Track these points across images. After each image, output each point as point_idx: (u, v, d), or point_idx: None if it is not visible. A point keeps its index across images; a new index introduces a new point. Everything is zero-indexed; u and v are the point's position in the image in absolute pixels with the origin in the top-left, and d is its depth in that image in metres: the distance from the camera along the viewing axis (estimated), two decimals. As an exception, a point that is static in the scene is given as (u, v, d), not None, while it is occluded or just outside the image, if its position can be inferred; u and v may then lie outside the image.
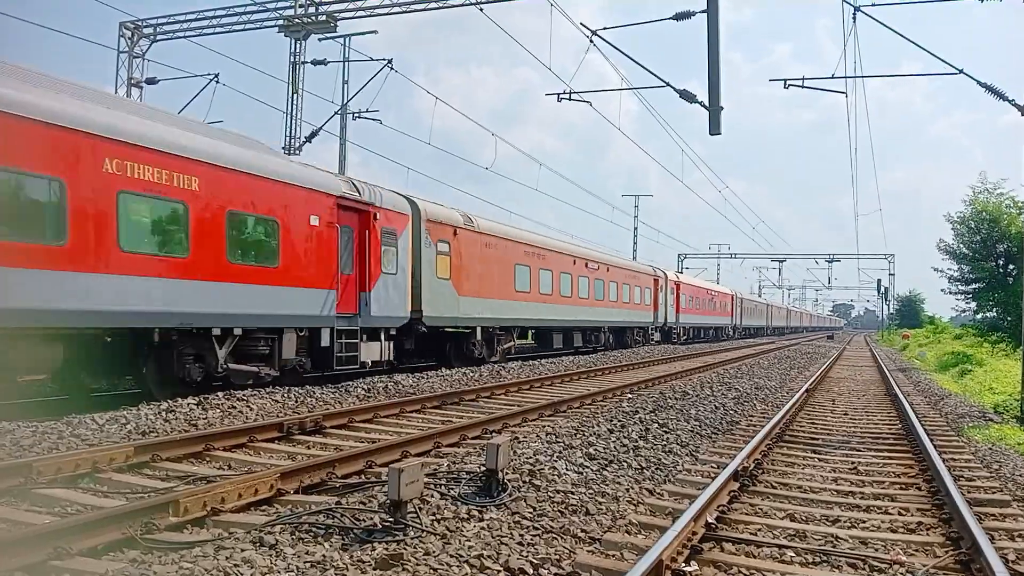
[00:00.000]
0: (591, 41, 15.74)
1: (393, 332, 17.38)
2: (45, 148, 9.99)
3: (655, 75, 16.18)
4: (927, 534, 6.20)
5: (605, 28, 15.80)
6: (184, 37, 25.46)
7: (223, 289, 12.65)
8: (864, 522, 6.53)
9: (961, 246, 33.88)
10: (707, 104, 13.93)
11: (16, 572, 4.58)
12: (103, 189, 10.69)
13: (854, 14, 16.16)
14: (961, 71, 15.66)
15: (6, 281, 9.46)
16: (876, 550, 5.69)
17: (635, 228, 61.14)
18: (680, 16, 14.70)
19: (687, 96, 14.88)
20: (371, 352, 16.44)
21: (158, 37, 25.65)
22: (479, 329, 21.49)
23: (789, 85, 17.98)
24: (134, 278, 11.10)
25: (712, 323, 55.60)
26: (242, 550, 4.70)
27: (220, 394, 12.13)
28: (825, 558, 5.48)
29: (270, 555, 4.65)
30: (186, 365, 12.40)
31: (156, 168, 11.45)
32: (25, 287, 9.71)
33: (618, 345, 34.52)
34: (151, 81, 25.80)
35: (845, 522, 6.52)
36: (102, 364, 12.01)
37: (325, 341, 14.94)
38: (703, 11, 14.01)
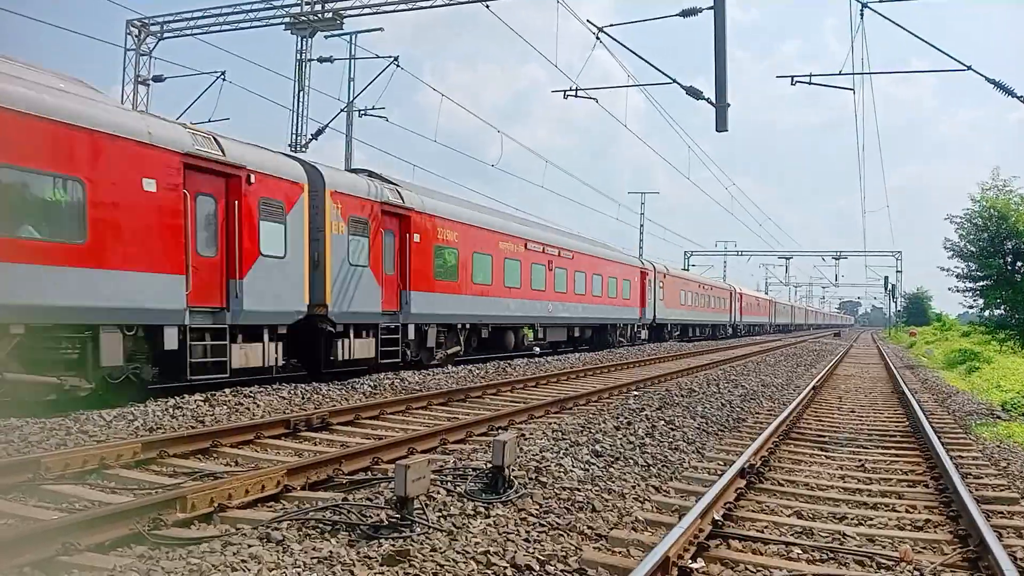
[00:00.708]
0: (597, 38, 15.71)
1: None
2: None
3: (662, 72, 16.14)
4: (935, 532, 6.18)
5: (612, 25, 15.76)
6: (191, 35, 25.49)
7: None
8: (871, 519, 6.51)
9: (967, 243, 33.67)
10: (714, 101, 13.90)
11: (25, 567, 4.60)
12: None
13: (861, 10, 16.09)
14: (969, 67, 15.58)
15: None
16: (883, 548, 5.67)
17: (641, 225, 61.02)
18: (687, 13, 14.65)
19: (694, 93, 14.84)
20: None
21: (165, 35, 25.69)
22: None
23: (796, 82, 17.91)
24: None
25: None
26: (249, 546, 4.71)
27: (227, 390, 12.17)
28: (832, 555, 5.46)
29: (277, 551, 4.66)
30: None
31: None
32: None
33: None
34: (158, 79, 25.85)
35: (852, 519, 6.51)
36: None
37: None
38: (710, 8, 13.99)
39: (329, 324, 15.28)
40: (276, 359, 13.93)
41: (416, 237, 18.14)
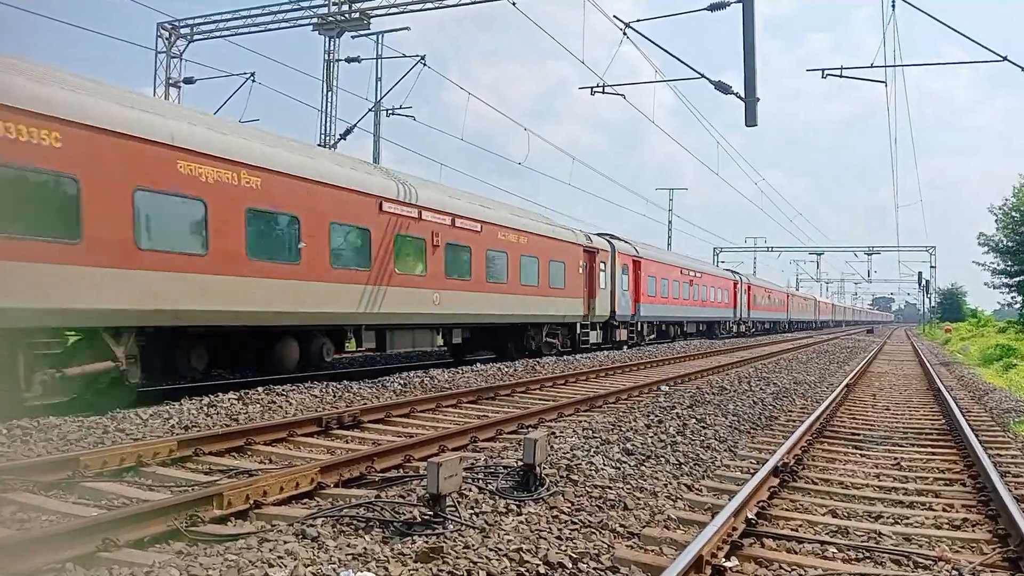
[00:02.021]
0: (624, 34, 15.65)
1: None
2: None
3: (690, 67, 16.06)
4: (973, 531, 6.09)
5: (639, 20, 15.73)
6: (220, 37, 25.80)
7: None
8: (908, 518, 6.42)
9: (1004, 238, 33.07)
10: (743, 95, 13.79)
11: (67, 563, 4.69)
12: None
13: (893, 2, 15.88)
14: (1005, 58, 15.32)
15: None
16: (920, 547, 5.60)
17: (669, 222, 60.81)
18: (715, 7, 14.57)
19: (722, 88, 14.75)
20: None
21: (195, 37, 26.02)
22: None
23: (827, 75, 17.74)
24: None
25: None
26: (285, 542, 4.76)
27: (260, 389, 12.29)
28: (868, 554, 5.40)
29: (312, 547, 4.71)
30: None
31: None
32: None
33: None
34: (189, 81, 26.20)
35: (888, 518, 6.43)
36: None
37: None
38: (738, 1, 13.88)
39: (614, 320, 29.47)
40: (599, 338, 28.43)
41: (642, 270, 32.46)
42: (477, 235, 19.95)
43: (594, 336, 27.80)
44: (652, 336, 35.27)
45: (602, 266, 28.33)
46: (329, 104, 25.20)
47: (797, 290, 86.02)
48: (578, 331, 26.65)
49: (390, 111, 29.52)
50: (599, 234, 30.18)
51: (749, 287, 53.75)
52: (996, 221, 45.55)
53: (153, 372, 12.19)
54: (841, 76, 17.78)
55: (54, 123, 9.80)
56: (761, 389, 14.88)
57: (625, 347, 30.35)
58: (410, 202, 17.32)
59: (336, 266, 15.01)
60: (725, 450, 9.10)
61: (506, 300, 21.39)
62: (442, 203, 18.69)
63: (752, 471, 7.67)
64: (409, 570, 4.48)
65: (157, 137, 11.36)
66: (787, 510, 6.60)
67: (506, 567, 4.66)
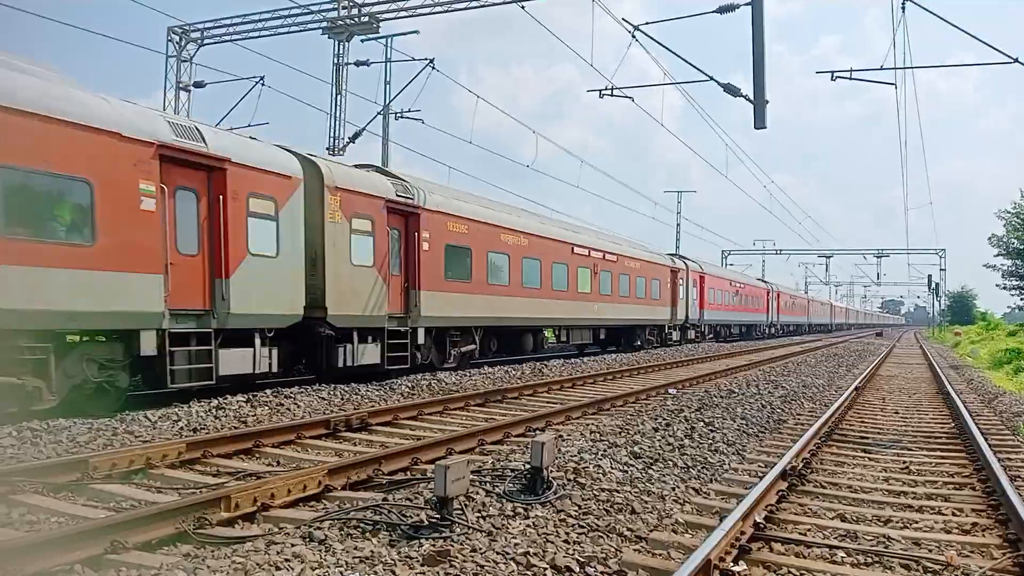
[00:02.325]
0: (633, 36, 15.65)
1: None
2: None
3: (698, 69, 16.03)
4: (983, 535, 6.05)
5: (647, 23, 15.71)
6: (230, 41, 25.90)
7: None
8: (917, 523, 6.39)
9: (1015, 240, 32.94)
10: (752, 98, 13.77)
11: (76, 565, 4.71)
12: None
13: (903, 3, 15.83)
14: (1016, 60, 15.25)
15: None
16: (930, 551, 5.57)
17: (677, 224, 60.78)
18: (724, 9, 14.54)
19: (731, 90, 14.72)
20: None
21: (205, 41, 26.14)
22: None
23: (836, 77, 17.68)
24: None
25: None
26: (292, 545, 4.77)
27: (268, 391, 12.33)
28: (877, 559, 5.37)
29: (320, 550, 4.71)
30: None
31: None
32: None
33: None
34: (199, 84, 26.31)
35: (897, 522, 6.39)
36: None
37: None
38: (747, 3, 13.86)
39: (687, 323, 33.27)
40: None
41: (705, 284, 35.24)
42: (614, 263, 28.74)
43: (675, 335, 36.37)
44: (711, 336, 42.95)
45: (680, 281, 36.34)
46: (338, 107, 25.26)
47: (807, 293, 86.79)
48: (666, 331, 35.22)
49: (399, 114, 29.57)
50: (671, 254, 39.03)
51: (779, 295, 61.53)
52: (1005, 224, 45.44)
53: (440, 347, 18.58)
54: (851, 79, 17.73)
55: None
56: (769, 392, 14.84)
57: (692, 343, 38.19)
58: (581, 244, 26.16)
59: (554, 289, 23.85)
60: (733, 453, 9.07)
61: (631, 309, 30.44)
62: (595, 244, 27.76)
63: (760, 475, 7.64)
64: (416, 573, 4.48)
65: (490, 220, 20.43)
66: (796, 514, 6.57)
67: (513, 571, 4.66)
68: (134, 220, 10.71)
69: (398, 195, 16.48)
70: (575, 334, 26.76)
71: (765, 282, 60.69)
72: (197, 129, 12.09)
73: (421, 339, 17.26)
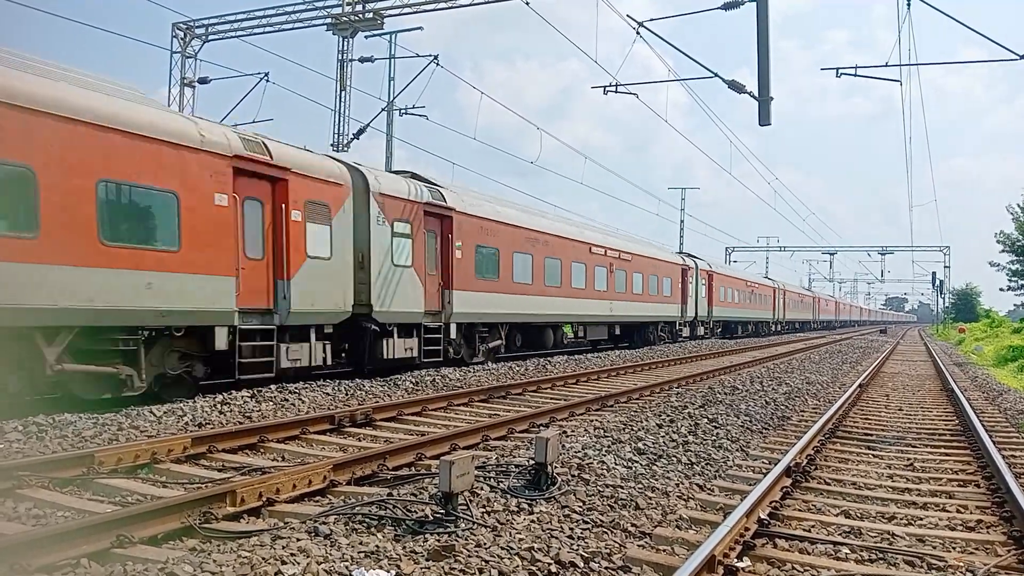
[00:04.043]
0: (638, 33, 15.62)
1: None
2: None
3: (703, 66, 16.01)
4: (987, 532, 6.05)
5: (652, 19, 15.68)
6: (235, 37, 25.88)
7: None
8: (921, 519, 6.39)
9: (1021, 237, 32.82)
10: (757, 94, 13.74)
11: (82, 559, 4.73)
12: None
13: (908, 0, 15.79)
14: (1021, 57, 15.19)
15: None
16: (934, 548, 5.57)
17: (681, 221, 60.68)
18: (729, 5, 14.51)
19: (736, 87, 14.69)
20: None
21: (210, 37, 26.10)
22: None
23: (842, 74, 17.64)
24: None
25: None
26: (298, 540, 4.78)
27: (273, 387, 12.36)
28: (881, 555, 5.38)
29: (325, 545, 4.73)
30: None
31: None
32: None
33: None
34: (203, 81, 26.28)
35: (901, 519, 6.40)
36: None
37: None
38: (752, 0, 13.82)
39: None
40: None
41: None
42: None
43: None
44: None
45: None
46: (342, 104, 25.24)
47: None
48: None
49: (403, 111, 29.56)
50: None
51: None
52: (1013, 220, 45.24)
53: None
54: (855, 75, 17.69)
55: None
56: (773, 389, 14.84)
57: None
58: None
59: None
60: (737, 450, 9.08)
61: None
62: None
63: (764, 471, 7.64)
64: (421, 568, 4.49)
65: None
66: (800, 510, 6.58)
67: (518, 566, 4.67)
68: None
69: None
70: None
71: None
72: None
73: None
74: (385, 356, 15.83)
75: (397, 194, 16.31)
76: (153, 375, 11.22)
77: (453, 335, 18.31)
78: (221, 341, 11.92)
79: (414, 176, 18.35)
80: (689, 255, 40.56)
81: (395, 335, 16.11)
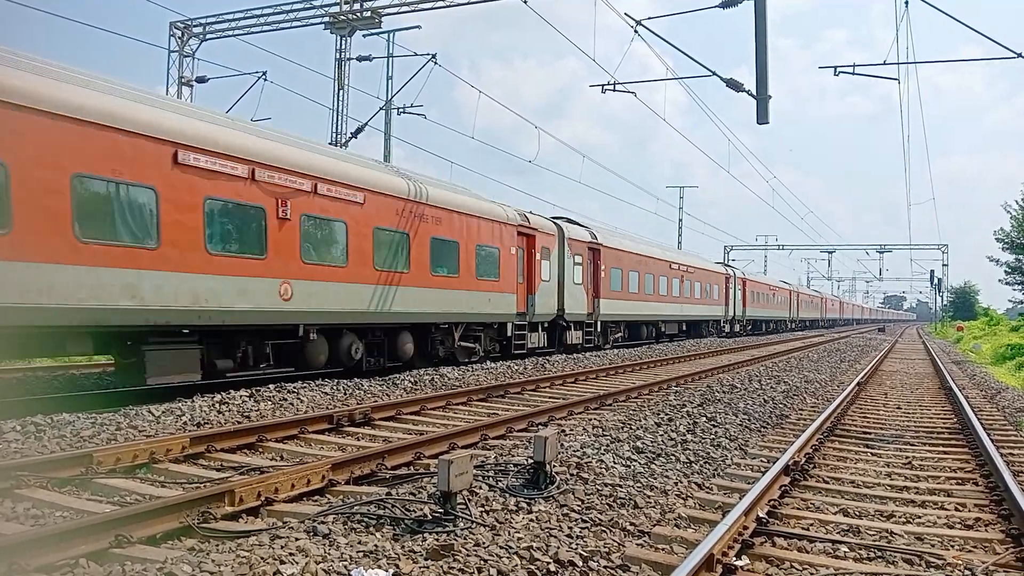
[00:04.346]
0: (635, 31, 15.62)
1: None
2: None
3: (701, 64, 16.02)
4: (986, 530, 6.06)
5: (650, 18, 15.66)
6: (232, 36, 25.86)
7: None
8: (920, 518, 6.40)
9: (1021, 235, 32.84)
10: (755, 93, 13.74)
11: (80, 559, 4.73)
12: None
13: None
14: (1020, 55, 15.21)
15: None
16: (933, 546, 5.57)
17: (680, 220, 60.77)
18: (727, 4, 14.50)
19: (734, 85, 14.69)
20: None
21: (207, 36, 26.09)
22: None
23: (840, 72, 17.66)
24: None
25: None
26: (296, 539, 4.78)
27: (271, 386, 12.35)
28: (880, 554, 5.38)
29: (324, 544, 4.72)
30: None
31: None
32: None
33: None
34: (201, 80, 26.27)
35: (900, 517, 6.40)
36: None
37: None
38: (750, -2, 13.82)
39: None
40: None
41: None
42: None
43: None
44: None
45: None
46: (340, 102, 25.26)
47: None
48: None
49: (401, 109, 29.56)
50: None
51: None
52: (1011, 219, 45.31)
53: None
54: (854, 73, 17.71)
55: None
56: (772, 387, 14.85)
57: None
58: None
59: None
60: (736, 448, 9.08)
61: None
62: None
63: (763, 470, 7.65)
64: (420, 567, 4.49)
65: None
66: (798, 509, 6.58)
67: (517, 565, 4.67)
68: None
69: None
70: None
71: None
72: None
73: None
74: (568, 343, 24.63)
75: (578, 238, 25.24)
76: (485, 348, 19.91)
77: (599, 329, 27.03)
78: (510, 331, 20.86)
79: (570, 221, 26.00)
80: (728, 265, 49.91)
81: (572, 329, 24.85)
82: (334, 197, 14.19)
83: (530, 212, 22.54)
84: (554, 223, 23.59)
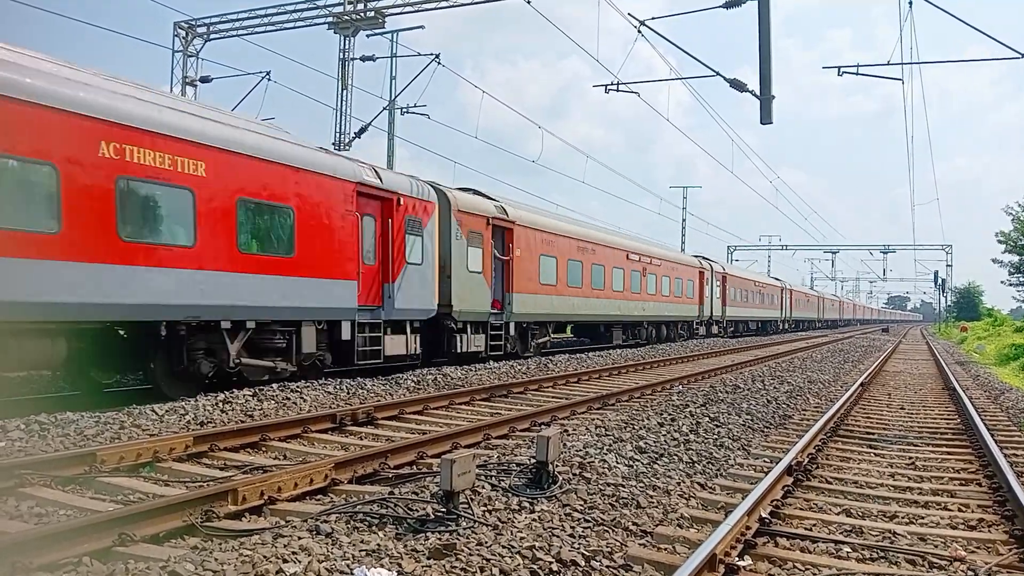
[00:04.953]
0: (639, 31, 15.60)
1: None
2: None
3: (704, 64, 16.00)
4: (989, 531, 6.05)
5: (653, 18, 15.65)
6: (236, 35, 25.90)
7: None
8: (923, 518, 6.39)
9: (1022, 236, 32.79)
10: (758, 93, 13.73)
11: (84, 557, 4.74)
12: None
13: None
14: (1023, 55, 15.17)
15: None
16: (935, 547, 5.57)
17: (683, 220, 60.69)
18: (730, 4, 14.48)
19: (737, 85, 14.67)
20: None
21: (211, 36, 26.12)
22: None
23: (843, 73, 17.62)
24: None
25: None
26: (299, 538, 4.78)
27: (275, 385, 12.36)
28: (883, 554, 5.38)
29: (327, 543, 4.73)
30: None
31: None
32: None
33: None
34: (205, 79, 26.31)
35: (903, 518, 6.40)
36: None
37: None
38: (754, -1, 13.80)
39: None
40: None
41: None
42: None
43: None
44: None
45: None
46: (344, 102, 25.26)
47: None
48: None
49: (404, 109, 29.57)
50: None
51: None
52: (1012, 220, 45.30)
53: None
54: (857, 74, 17.67)
55: None
56: (775, 388, 14.83)
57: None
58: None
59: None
60: (738, 448, 9.08)
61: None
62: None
63: (766, 470, 7.65)
64: (423, 567, 4.49)
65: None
66: (801, 509, 6.58)
67: (519, 564, 4.67)
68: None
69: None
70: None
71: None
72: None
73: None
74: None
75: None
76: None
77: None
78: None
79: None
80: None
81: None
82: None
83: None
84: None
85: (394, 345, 15.97)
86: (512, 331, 20.99)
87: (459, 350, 18.39)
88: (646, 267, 31.05)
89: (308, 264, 13.30)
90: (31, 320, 9.44)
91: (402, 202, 15.96)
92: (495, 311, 20.02)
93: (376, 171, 15.54)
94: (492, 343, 19.88)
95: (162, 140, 10.77)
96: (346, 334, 14.40)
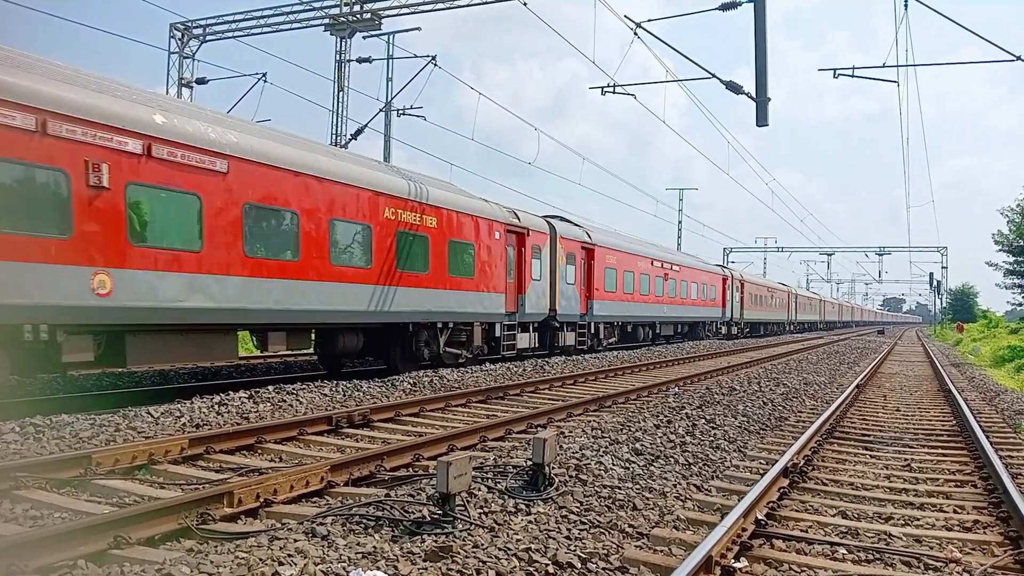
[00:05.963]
0: (635, 33, 15.62)
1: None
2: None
3: (701, 67, 16.01)
4: (984, 533, 6.07)
5: (650, 20, 15.67)
6: (232, 37, 25.88)
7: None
8: (918, 520, 6.41)
9: (1018, 238, 32.89)
10: (754, 95, 13.75)
11: (79, 560, 4.73)
12: None
13: (906, 2, 15.81)
14: (1018, 57, 15.21)
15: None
16: (931, 548, 5.58)
17: (679, 222, 60.85)
18: (726, 6, 14.50)
19: (733, 87, 14.70)
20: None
21: (207, 38, 26.11)
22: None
23: (839, 75, 17.66)
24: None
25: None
26: (295, 540, 4.78)
27: (270, 388, 12.34)
28: (878, 556, 5.39)
29: (322, 546, 4.72)
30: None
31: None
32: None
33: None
34: (201, 81, 26.30)
35: (899, 520, 6.41)
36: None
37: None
38: (750, 1, 13.83)
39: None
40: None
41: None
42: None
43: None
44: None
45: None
46: (340, 104, 25.25)
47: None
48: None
49: (401, 111, 29.58)
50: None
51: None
52: (1008, 222, 45.48)
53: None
54: (853, 76, 17.71)
55: None
56: (771, 390, 14.85)
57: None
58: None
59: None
60: (735, 450, 9.08)
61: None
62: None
63: (762, 472, 7.66)
64: (419, 569, 4.49)
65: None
66: (797, 511, 6.58)
67: (515, 566, 4.67)
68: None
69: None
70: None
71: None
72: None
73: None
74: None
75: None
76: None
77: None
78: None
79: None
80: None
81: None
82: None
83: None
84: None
85: (524, 340, 21.46)
86: (593, 329, 26.58)
87: (561, 344, 24.02)
88: (682, 276, 36.41)
89: (481, 283, 18.87)
90: (349, 324, 15.02)
91: (530, 234, 21.68)
92: (582, 314, 25.40)
93: (515, 213, 21.37)
94: (579, 339, 25.19)
95: (419, 206, 16.57)
96: (498, 332, 20.02)
